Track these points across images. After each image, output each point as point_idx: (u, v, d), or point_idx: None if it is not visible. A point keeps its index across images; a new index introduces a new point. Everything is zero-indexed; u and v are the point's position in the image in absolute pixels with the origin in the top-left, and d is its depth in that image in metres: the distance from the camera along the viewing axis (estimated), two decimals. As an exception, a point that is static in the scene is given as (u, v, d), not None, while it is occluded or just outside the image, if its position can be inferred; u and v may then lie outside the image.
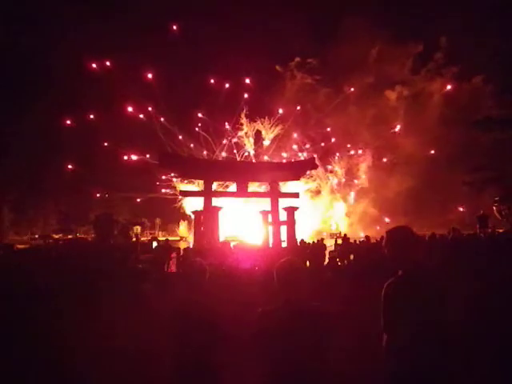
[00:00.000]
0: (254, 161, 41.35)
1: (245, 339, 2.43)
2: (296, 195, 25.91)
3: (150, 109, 41.38)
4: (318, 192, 44.74)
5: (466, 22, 38.15)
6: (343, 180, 46.12)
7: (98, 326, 3.33)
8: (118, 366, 2.85)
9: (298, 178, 27.54)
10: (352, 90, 45.59)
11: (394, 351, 2.11)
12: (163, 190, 41.02)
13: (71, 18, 43.14)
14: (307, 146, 44.64)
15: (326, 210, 44.18)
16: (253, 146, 43.38)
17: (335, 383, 2.27)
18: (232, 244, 16.65)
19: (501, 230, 21.66)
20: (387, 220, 39.87)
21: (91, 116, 40.89)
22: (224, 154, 41.89)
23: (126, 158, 40.52)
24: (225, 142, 42.22)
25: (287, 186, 34.51)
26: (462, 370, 1.88)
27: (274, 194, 24.16)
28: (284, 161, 40.12)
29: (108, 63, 40.30)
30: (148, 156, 39.91)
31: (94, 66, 39.93)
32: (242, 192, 23.93)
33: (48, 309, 3.34)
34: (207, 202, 22.35)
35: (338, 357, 2.27)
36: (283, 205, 24.21)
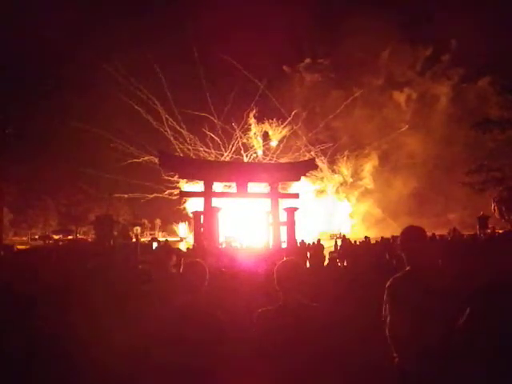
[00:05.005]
0: (263, 161, 41.33)
1: (244, 339, 2.43)
2: (296, 196, 25.89)
3: (155, 107, 41.42)
4: (322, 192, 44.80)
5: (469, 24, 38.25)
6: (350, 180, 46.09)
7: (98, 328, 3.33)
8: (118, 367, 2.85)
9: (298, 179, 27.55)
10: (360, 91, 45.64)
11: (397, 346, 2.11)
12: (168, 191, 40.93)
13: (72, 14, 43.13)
14: (314, 146, 44.66)
15: (331, 211, 44.18)
16: (262, 147, 43.46)
17: (335, 381, 2.27)
18: (232, 244, 16.66)
19: (501, 231, 21.63)
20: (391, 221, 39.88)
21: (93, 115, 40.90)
22: (230, 155, 41.93)
23: (128, 159, 40.38)
24: (233, 142, 42.26)
25: (293, 187, 34.52)
26: (464, 369, 1.87)
27: (274, 195, 24.14)
28: (282, 161, 40.11)
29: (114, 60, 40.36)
30: (150, 157, 39.85)
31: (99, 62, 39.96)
32: (242, 192, 23.92)
33: (48, 310, 3.34)
34: (207, 203, 22.35)
35: (338, 357, 2.27)
36: (284, 205, 24.22)
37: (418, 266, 2.21)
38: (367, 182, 46.25)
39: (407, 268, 2.25)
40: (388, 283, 2.26)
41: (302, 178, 29.78)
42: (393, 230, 31.10)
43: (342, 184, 46.04)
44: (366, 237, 15.91)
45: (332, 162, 45.33)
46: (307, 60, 48.99)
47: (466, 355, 1.81)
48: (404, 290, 2.16)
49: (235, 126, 42.47)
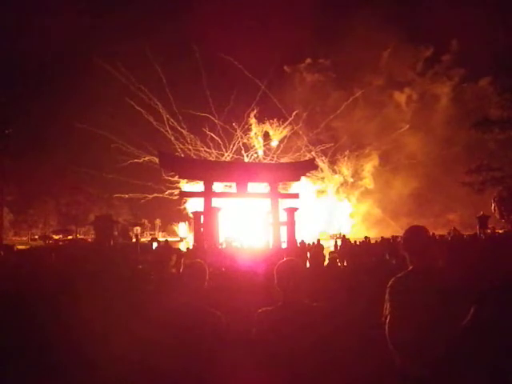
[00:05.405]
0: (264, 161, 41.34)
1: (245, 340, 2.42)
2: (296, 196, 25.89)
3: (157, 106, 41.47)
4: (323, 192, 44.84)
5: (469, 24, 38.33)
6: (351, 180, 46.08)
7: (99, 328, 3.33)
8: (118, 370, 2.84)
9: (298, 179, 27.56)
10: (361, 92, 45.73)
11: (397, 347, 2.10)
12: (168, 191, 40.88)
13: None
14: (315, 146, 44.66)
15: (332, 211, 44.18)
16: (262, 147, 43.51)
17: (335, 383, 2.26)
18: (232, 245, 16.64)
19: (501, 231, 21.65)
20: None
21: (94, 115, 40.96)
22: (230, 155, 41.95)
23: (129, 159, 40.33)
24: (233, 142, 42.28)
25: (293, 187, 34.53)
26: (468, 372, 1.86)
27: (274, 195, 24.14)
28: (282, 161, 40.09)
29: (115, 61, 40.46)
30: (151, 157, 39.79)
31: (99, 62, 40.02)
32: (242, 192, 23.91)
33: (48, 311, 3.34)
34: (207, 203, 22.34)
35: (338, 357, 2.27)
36: (284, 205, 24.22)
37: (421, 266, 2.20)
38: (367, 182, 46.26)
39: (410, 268, 2.25)
40: (390, 283, 2.25)
41: (303, 178, 29.79)
42: (393, 230, 31.17)
43: (342, 184, 46.04)
44: (365, 237, 15.92)
45: (332, 162, 45.41)
46: (308, 60, 49.14)
47: (470, 357, 1.79)
48: (406, 289, 2.16)
49: (236, 126, 42.56)
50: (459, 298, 1.98)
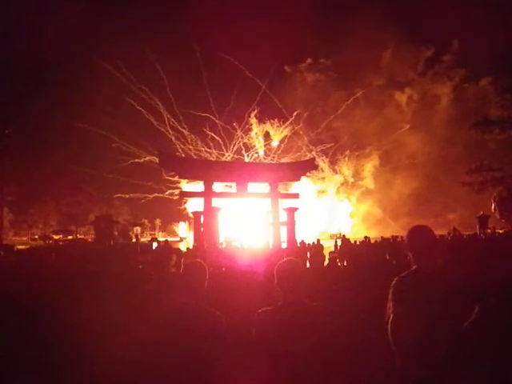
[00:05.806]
0: (264, 161, 41.34)
1: (245, 340, 2.42)
2: (296, 196, 25.89)
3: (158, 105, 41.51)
4: (323, 192, 44.87)
5: (470, 24, 38.35)
6: (351, 180, 46.09)
7: (99, 329, 3.32)
8: (118, 370, 2.84)
9: (298, 179, 27.56)
10: (361, 92, 45.81)
11: (400, 347, 2.09)
12: (168, 191, 40.84)
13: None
14: (315, 146, 44.67)
15: (332, 211, 44.18)
16: (263, 147, 43.55)
17: (335, 383, 2.26)
18: (232, 244, 16.64)
19: (501, 231, 21.64)
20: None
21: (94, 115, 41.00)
22: (231, 155, 41.97)
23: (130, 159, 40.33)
24: (234, 142, 42.30)
25: (294, 187, 34.53)
26: (465, 370, 1.86)
27: (275, 195, 24.14)
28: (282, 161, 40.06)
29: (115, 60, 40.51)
30: (151, 157, 39.76)
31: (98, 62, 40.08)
32: (242, 192, 23.91)
33: (48, 311, 3.34)
34: (207, 203, 22.34)
35: (338, 357, 2.27)
36: (284, 205, 24.22)
37: (425, 266, 2.19)
38: (368, 182, 46.28)
39: (413, 267, 2.24)
40: (393, 282, 2.23)
41: (303, 178, 29.79)
42: (393, 230, 31.16)
43: (342, 184, 46.05)
44: (365, 237, 15.92)
45: (333, 162, 45.45)
46: (308, 60, 49.23)
47: (470, 357, 1.79)
48: (410, 289, 2.15)
49: (236, 126, 42.60)
50: (461, 297, 1.97)
